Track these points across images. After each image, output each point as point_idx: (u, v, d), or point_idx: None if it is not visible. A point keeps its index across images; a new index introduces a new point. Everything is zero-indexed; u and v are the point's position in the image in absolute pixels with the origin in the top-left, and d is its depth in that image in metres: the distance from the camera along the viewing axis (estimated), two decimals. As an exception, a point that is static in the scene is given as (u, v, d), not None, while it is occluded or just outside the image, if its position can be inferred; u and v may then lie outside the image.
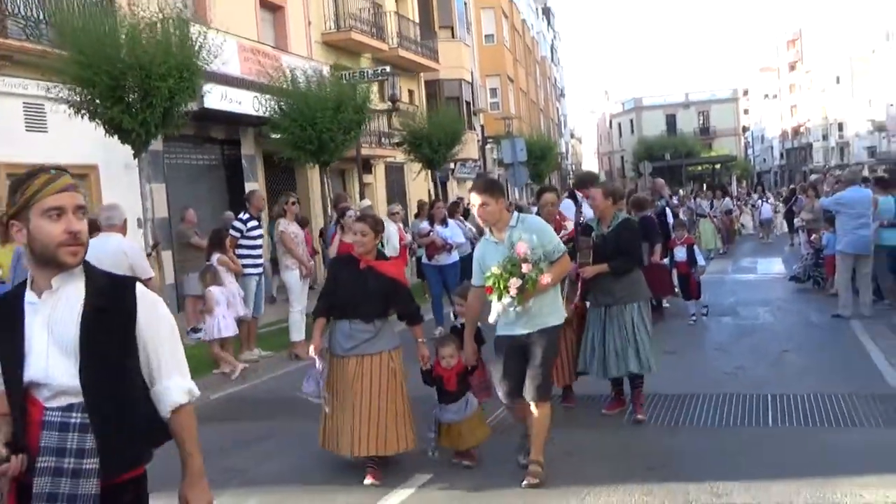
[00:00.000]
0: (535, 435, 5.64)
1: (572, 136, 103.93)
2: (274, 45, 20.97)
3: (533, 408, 5.62)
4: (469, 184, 36.33)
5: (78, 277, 2.66)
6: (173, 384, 2.71)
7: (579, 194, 9.63)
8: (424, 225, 13.12)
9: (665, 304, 12.83)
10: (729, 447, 6.14)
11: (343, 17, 24.65)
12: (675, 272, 12.57)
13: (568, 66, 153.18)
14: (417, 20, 31.03)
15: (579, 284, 7.26)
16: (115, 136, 10.60)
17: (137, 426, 2.64)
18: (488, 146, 36.76)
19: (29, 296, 2.64)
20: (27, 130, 13.71)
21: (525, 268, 5.31)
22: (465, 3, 36.40)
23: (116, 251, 7.30)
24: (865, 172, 32.51)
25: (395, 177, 29.20)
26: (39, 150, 13.78)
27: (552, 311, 5.65)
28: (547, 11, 74.59)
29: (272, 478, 6.07)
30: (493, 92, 43.21)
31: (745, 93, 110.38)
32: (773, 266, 20.02)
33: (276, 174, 20.95)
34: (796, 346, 9.95)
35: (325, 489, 5.77)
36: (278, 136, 16.73)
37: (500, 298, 5.40)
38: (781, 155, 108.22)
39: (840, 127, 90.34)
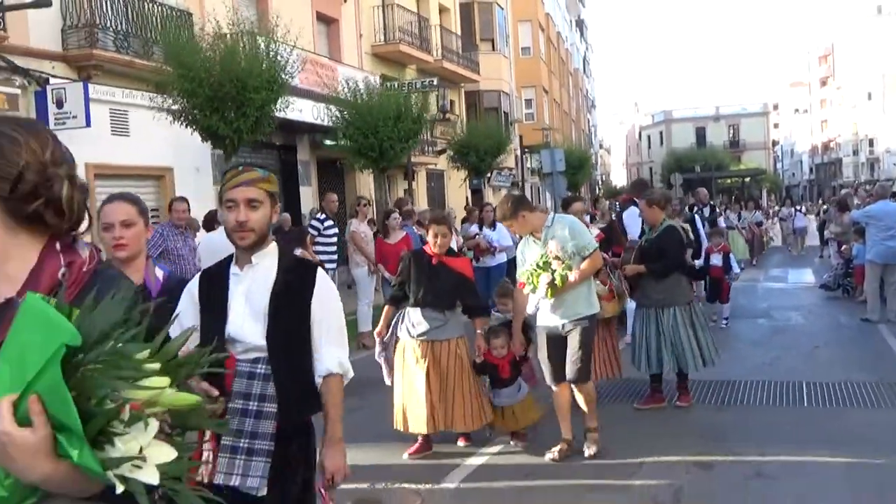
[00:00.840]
0: (585, 408, 6.39)
1: (601, 146, 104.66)
2: (328, 56, 22.08)
3: (575, 390, 6.34)
4: (504, 191, 37.35)
5: (272, 257, 3.23)
6: (328, 354, 3.18)
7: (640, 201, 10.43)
8: (473, 228, 14.03)
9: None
10: (770, 421, 7.08)
11: (391, 30, 25.74)
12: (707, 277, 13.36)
13: (598, 78, 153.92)
14: (460, 33, 32.11)
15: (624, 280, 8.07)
16: (209, 142, 11.68)
17: (307, 383, 3.16)
18: (525, 155, 37.80)
19: (233, 269, 3.25)
20: (112, 134, 14.83)
21: (556, 264, 6.02)
22: (505, 17, 37.42)
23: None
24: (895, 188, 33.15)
25: (436, 183, 30.26)
26: (122, 153, 14.98)
27: (585, 302, 6.28)
28: (580, 24, 75.49)
29: (368, 439, 6.88)
30: (529, 103, 44.19)
31: (776, 107, 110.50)
32: (804, 276, 20.74)
33: (328, 178, 22.05)
34: (826, 343, 10.86)
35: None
36: (335, 143, 17.79)
37: (534, 291, 6.17)
38: (811, 170, 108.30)
39: (871, 143, 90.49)
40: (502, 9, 36.65)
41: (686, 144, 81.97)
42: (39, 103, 13.33)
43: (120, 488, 1.46)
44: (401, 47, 25.38)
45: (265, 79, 11.09)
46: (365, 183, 22.92)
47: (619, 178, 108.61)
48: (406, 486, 5.88)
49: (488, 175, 31.17)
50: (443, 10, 31.23)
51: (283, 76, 11.76)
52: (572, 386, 6.33)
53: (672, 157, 68.63)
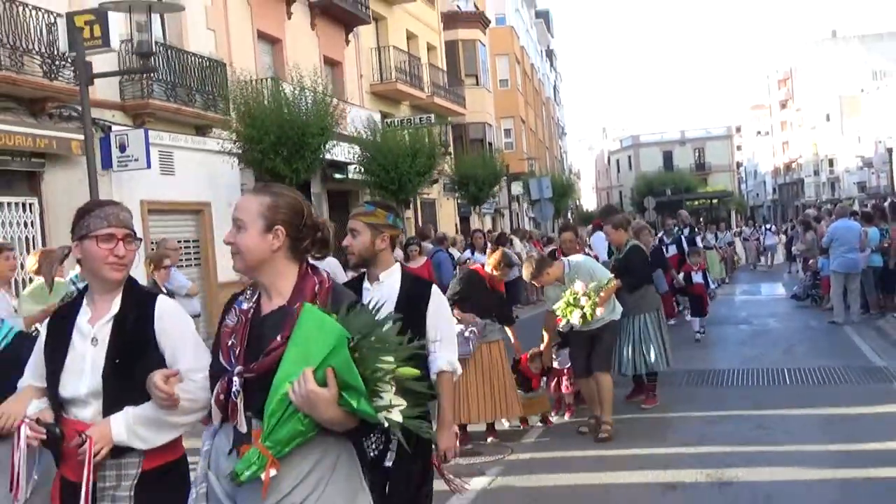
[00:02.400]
0: (603, 400, 7.73)
1: (571, 171, 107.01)
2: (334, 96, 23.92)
3: (598, 377, 7.73)
4: (488, 218, 39.01)
5: (396, 275, 4.01)
6: (441, 355, 3.84)
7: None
8: (466, 253, 15.69)
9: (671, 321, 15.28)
10: (763, 394, 9.06)
11: (387, 70, 27.64)
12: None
13: (567, 105, 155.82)
14: (446, 69, 34.12)
15: None
16: (270, 180, 13.47)
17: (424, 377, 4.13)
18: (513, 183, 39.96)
19: (365, 283, 4.04)
20: (161, 174, 16.50)
21: (584, 300, 7.47)
22: (486, 53, 39.55)
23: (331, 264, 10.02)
24: (856, 207, 35.64)
25: (429, 211, 32.08)
26: (169, 190, 16.66)
27: (609, 312, 7.78)
28: (550, 54, 78.06)
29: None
30: (508, 132, 46.25)
31: (738, 129, 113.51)
32: (775, 289, 22.81)
33: (337, 209, 23.78)
34: (801, 341, 12.86)
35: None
36: (344, 177, 19.58)
37: (567, 322, 7.70)
38: (774, 190, 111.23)
39: (831, 163, 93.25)
40: (484, 45, 38.78)
41: (654, 168, 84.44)
42: (104, 148, 14.99)
43: (385, 424, 2.43)
44: (398, 86, 27.28)
45: (319, 126, 12.96)
46: (369, 212, 24.72)
47: (590, 203, 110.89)
48: (493, 440, 7.69)
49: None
50: (430, 48, 33.17)
51: (330, 121, 13.63)
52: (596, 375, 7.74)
53: (643, 181, 71.03)
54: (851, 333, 13.08)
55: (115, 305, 3.11)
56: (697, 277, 14.33)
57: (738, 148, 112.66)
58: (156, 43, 16.16)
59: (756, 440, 7.11)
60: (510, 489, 6.32)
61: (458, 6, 38.73)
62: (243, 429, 2.66)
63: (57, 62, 13.59)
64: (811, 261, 18.41)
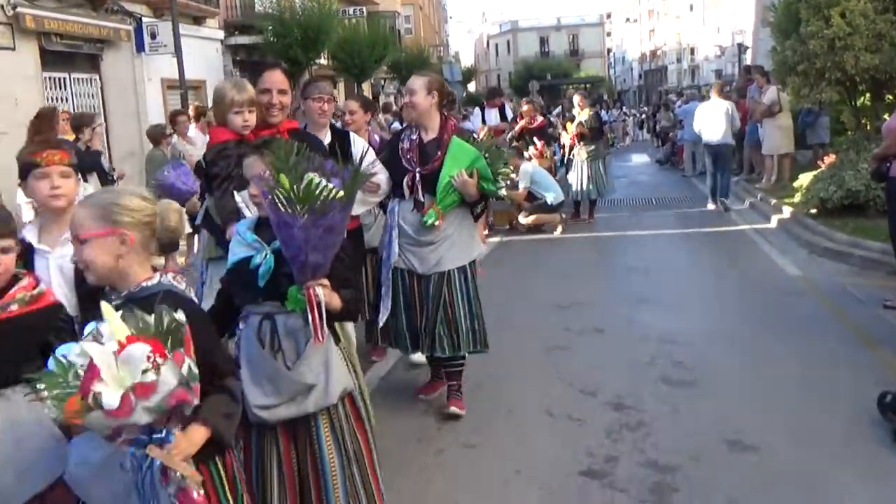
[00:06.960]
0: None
1: (452, 56, 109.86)
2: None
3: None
4: (392, 98, 43.35)
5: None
6: None
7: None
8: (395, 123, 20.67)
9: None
10: (638, 208, 14.60)
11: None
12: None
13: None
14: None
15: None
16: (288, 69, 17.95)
17: None
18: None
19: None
20: (172, 57, 20.47)
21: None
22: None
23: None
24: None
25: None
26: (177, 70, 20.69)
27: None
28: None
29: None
30: (408, 19, 50.24)
31: (609, 16, 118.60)
32: (643, 158, 28.71)
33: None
34: (661, 185, 18.72)
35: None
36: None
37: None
38: (640, 76, 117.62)
39: (692, 51, 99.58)
40: (393, -66, 42.39)
41: (531, 53, 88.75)
42: (138, 36, 18.91)
43: (502, 196, 5.29)
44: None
45: (328, 26, 17.56)
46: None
47: (470, 85, 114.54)
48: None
49: (382, 82, 37.74)
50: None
51: (336, 24, 18.24)
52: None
53: (523, 66, 75.79)
54: (694, 181, 18.89)
55: (328, 137, 4.91)
56: None
57: (609, 34, 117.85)
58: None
59: (635, 225, 12.70)
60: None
61: None
62: (421, 199, 4.73)
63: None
64: (670, 134, 24.26)
